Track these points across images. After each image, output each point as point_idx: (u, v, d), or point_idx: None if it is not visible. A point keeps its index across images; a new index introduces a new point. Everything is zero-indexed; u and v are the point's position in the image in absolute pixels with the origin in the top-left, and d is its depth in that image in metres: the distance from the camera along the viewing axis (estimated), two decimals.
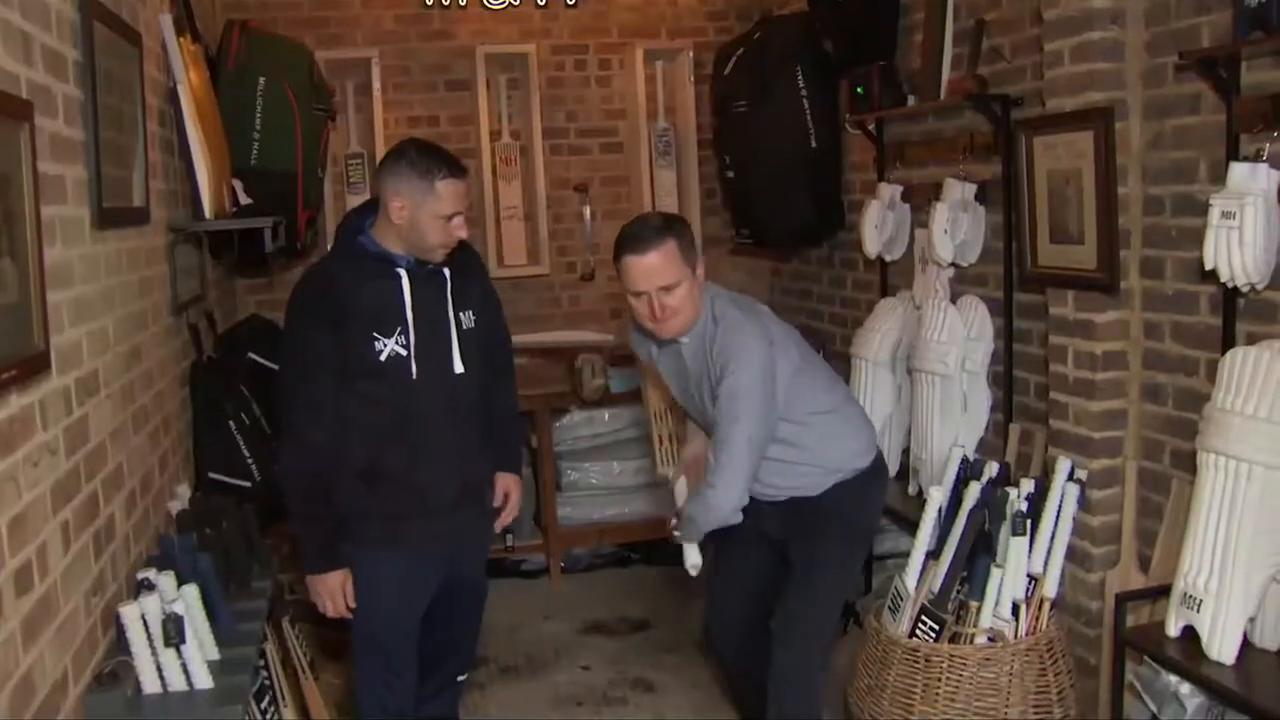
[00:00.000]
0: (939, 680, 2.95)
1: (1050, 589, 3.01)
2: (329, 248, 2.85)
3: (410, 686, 2.85)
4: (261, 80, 4.00)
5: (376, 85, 5.11)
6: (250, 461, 3.41)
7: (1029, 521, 3.00)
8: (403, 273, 2.63)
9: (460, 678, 3.08)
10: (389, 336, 2.60)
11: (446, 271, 2.70)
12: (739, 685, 3.23)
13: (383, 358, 2.60)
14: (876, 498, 3.00)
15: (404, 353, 2.62)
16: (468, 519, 2.86)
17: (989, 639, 2.98)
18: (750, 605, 2.99)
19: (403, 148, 2.62)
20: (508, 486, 3.00)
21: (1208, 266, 2.56)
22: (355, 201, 5.20)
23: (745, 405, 2.59)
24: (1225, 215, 2.48)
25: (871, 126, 4.29)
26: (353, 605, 2.72)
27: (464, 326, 2.73)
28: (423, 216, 2.56)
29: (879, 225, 4.16)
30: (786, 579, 2.87)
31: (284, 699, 2.98)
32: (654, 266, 2.58)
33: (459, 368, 2.71)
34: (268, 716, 2.78)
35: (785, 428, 2.72)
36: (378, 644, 2.78)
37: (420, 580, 2.79)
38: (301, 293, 2.68)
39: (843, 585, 3.04)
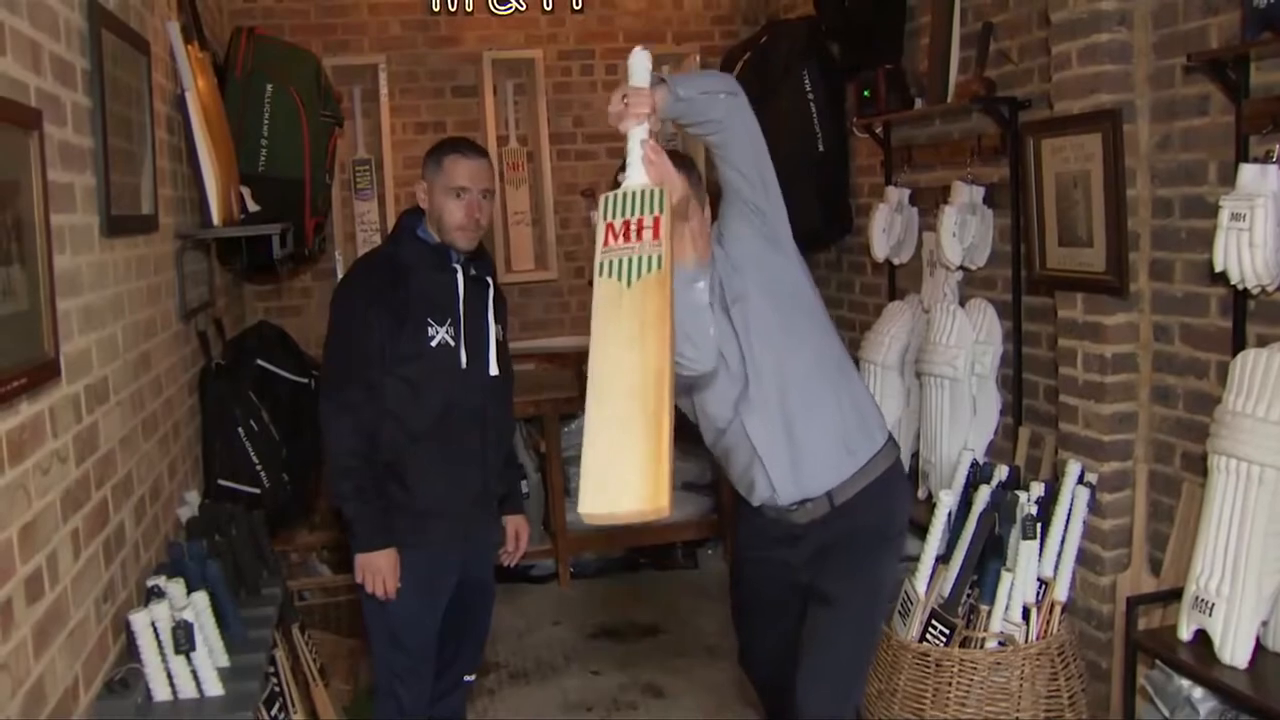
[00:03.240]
0: (950, 685, 2.94)
1: (1061, 593, 3.00)
2: (385, 237, 2.96)
3: (428, 687, 2.86)
4: (269, 87, 4.01)
5: (383, 91, 5.13)
6: (259, 468, 3.41)
7: (1039, 525, 2.99)
8: (458, 268, 2.74)
9: (468, 678, 3.09)
10: (440, 325, 2.70)
11: (489, 280, 2.82)
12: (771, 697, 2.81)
13: (433, 344, 2.69)
14: (903, 495, 2.57)
15: (452, 343, 2.71)
16: (481, 519, 2.90)
17: (1000, 643, 2.97)
18: (785, 638, 2.60)
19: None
20: (517, 527, 3.05)
21: (1217, 268, 2.55)
22: (363, 207, 5.22)
23: None
24: (1235, 217, 2.47)
25: (879, 129, 4.29)
26: (399, 586, 2.72)
27: (498, 337, 2.83)
28: (436, 195, 2.70)
29: (886, 228, 4.15)
30: (816, 621, 2.48)
31: (294, 705, 2.98)
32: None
33: (494, 370, 2.80)
34: None
35: (799, 370, 2.37)
36: (399, 643, 2.79)
37: (441, 580, 2.81)
38: (360, 273, 2.79)
39: (880, 613, 2.65)
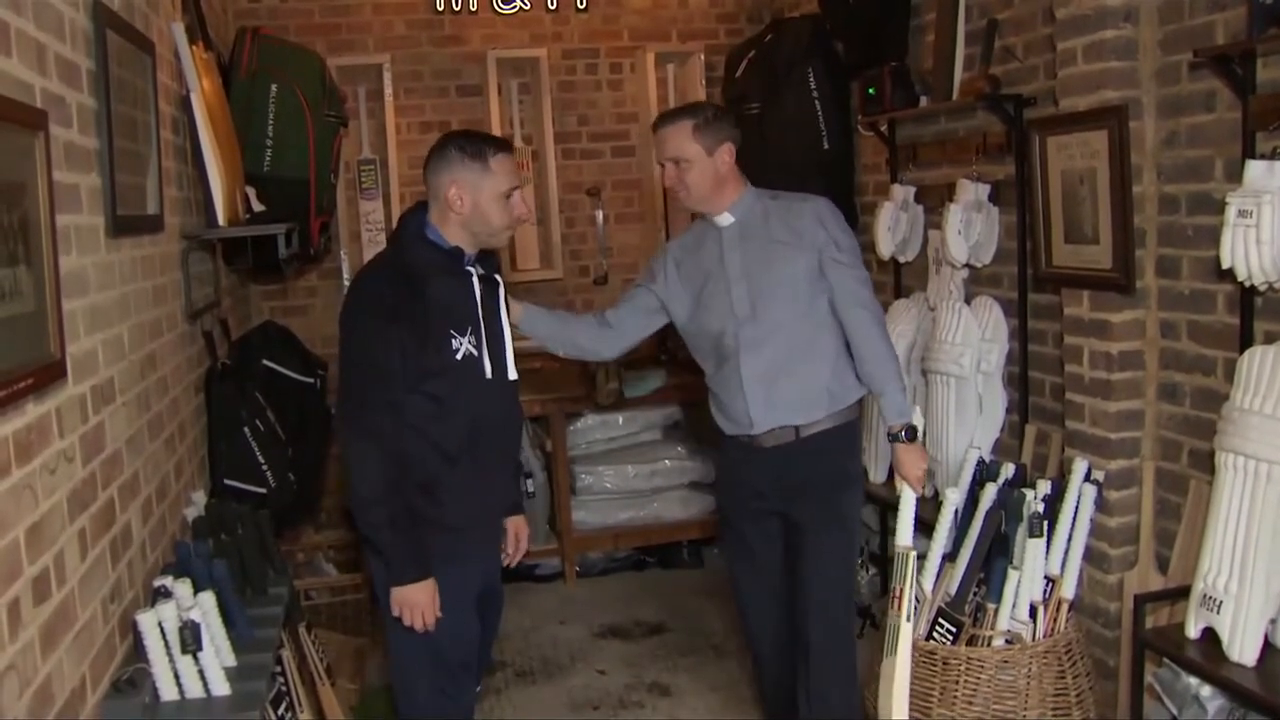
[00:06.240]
0: (957, 683, 2.94)
1: (1068, 590, 3.00)
2: (389, 240, 2.70)
3: (473, 700, 2.76)
4: (273, 87, 4.01)
5: (388, 91, 5.13)
6: (265, 467, 3.41)
7: (1046, 523, 2.99)
8: (472, 270, 2.58)
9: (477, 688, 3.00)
10: (462, 335, 2.53)
11: (499, 278, 2.68)
12: (773, 678, 3.16)
13: (459, 356, 2.52)
14: (858, 442, 3.06)
15: (475, 353, 2.55)
16: (501, 526, 2.84)
17: (1007, 641, 2.97)
18: (780, 591, 3.00)
19: (446, 140, 2.59)
20: (517, 528, 2.90)
21: (1224, 265, 2.54)
22: (368, 207, 5.22)
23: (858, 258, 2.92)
24: (1242, 213, 2.46)
25: (884, 127, 4.28)
26: (440, 616, 2.55)
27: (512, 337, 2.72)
28: (483, 198, 2.52)
29: (892, 227, 4.15)
30: (798, 552, 2.89)
31: (300, 705, 2.98)
32: (664, 138, 2.84)
33: (513, 374, 2.66)
34: None
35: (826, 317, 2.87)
36: (444, 663, 2.62)
37: (475, 590, 2.67)
38: (372, 285, 2.55)
39: (853, 542, 3.03)
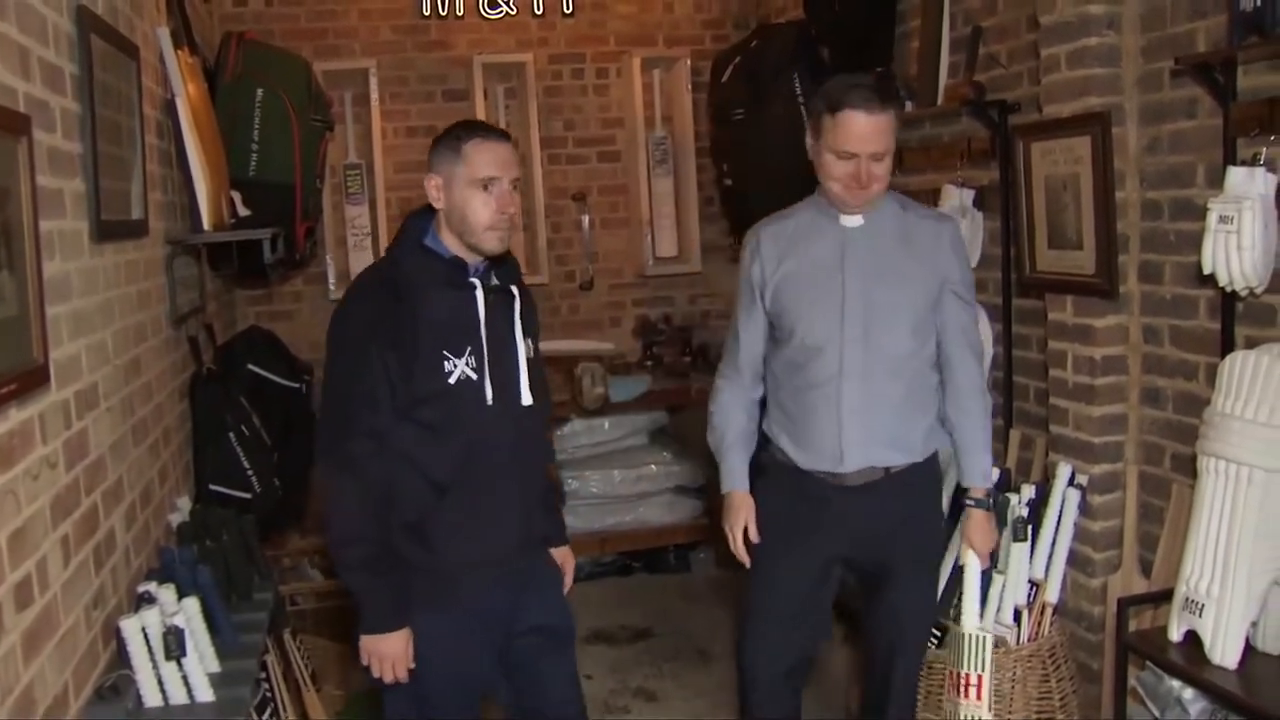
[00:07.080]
0: (942, 687, 2.95)
1: (1052, 594, 3.01)
2: (386, 248, 2.42)
3: None
4: (259, 92, 4.00)
5: (374, 96, 5.13)
6: (250, 473, 3.40)
7: (1030, 527, 3.00)
8: (477, 283, 2.31)
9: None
10: (459, 356, 2.26)
11: (515, 289, 2.40)
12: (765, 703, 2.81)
13: (452, 380, 2.25)
14: (940, 472, 2.81)
15: (475, 376, 2.28)
16: (533, 562, 2.49)
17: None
18: (801, 623, 2.74)
19: (440, 133, 2.36)
20: (562, 559, 2.61)
21: (1206, 270, 2.56)
22: (354, 212, 5.21)
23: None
24: (1223, 219, 2.48)
25: None
26: (413, 667, 2.31)
27: (528, 354, 2.41)
28: (457, 189, 2.25)
29: None
30: (882, 594, 2.68)
31: (285, 711, 2.97)
32: (877, 129, 2.46)
33: (527, 399, 2.38)
34: None
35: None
36: (428, 709, 2.36)
37: (476, 644, 2.38)
38: (359, 298, 2.31)
39: (939, 572, 2.93)
